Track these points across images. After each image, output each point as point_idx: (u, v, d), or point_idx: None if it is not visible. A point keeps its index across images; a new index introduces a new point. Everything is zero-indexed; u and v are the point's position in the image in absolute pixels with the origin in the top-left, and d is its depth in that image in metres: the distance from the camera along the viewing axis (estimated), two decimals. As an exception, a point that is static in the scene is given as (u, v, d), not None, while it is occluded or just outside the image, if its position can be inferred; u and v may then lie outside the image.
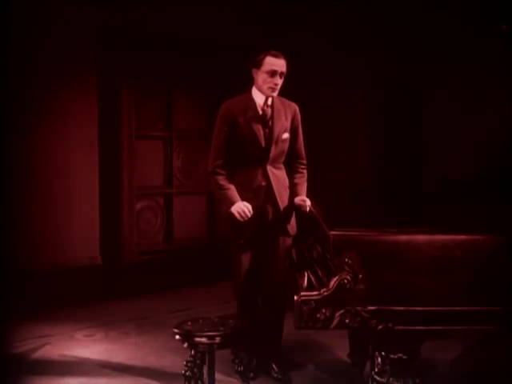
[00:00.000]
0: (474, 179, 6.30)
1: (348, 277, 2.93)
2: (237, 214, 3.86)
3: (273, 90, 3.93)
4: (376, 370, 3.18)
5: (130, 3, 6.31)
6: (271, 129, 3.97)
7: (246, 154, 3.97)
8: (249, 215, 3.87)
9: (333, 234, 2.98)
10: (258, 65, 3.93)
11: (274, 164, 4.02)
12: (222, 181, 3.97)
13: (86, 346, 4.85)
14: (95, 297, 6.03)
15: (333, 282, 2.93)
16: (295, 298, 2.94)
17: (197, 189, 7.31)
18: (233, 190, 3.94)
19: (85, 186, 6.44)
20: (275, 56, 3.91)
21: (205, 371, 3.55)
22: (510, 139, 6.34)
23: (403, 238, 2.99)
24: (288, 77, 3.98)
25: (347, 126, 7.52)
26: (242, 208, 3.86)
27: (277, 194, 3.99)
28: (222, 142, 3.98)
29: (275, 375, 4.09)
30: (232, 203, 3.90)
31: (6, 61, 5.64)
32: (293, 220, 4.06)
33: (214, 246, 7.25)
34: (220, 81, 7.16)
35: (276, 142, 3.98)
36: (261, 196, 3.97)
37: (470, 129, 6.84)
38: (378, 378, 3.15)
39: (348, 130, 7.55)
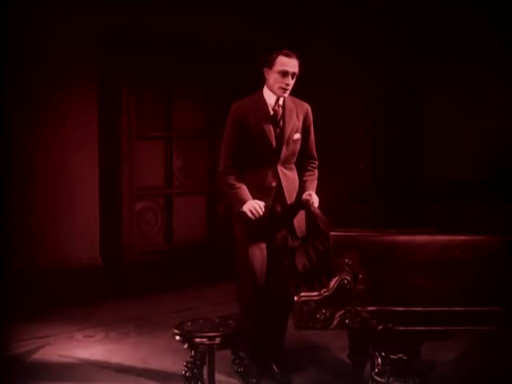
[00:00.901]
0: (474, 179, 6.29)
1: (348, 277, 2.92)
2: (249, 213, 3.83)
3: (284, 90, 3.88)
4: (376, 370, 3.18)
5: (130, 3, 6.31)
6: (282, 129, 3.92)
7: (256, 155, 3.93)
8: (261, 213, 3.83)
9: (333, 234, 2.97)
10: (270, 64, 3.86)
11: (284, 164, 3.98)
12: (233, 180, 3.93)
13: (86, 347, 4.85)
14: (95, 297, 6.03)
15: (333, 282, 2.93)
16: (295, 298, 2.93)
17: (197, 189, 7.32)
18: (244, 189, 3.90)
19: (85, 186, 6.44)
20: (287, 55, 3.84)
21: (205, 372, 3.55)
22: (510, 139, 6.34)
23: (403, 238, 2.98)
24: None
25: (347, 126, 7.52)
26: (253, 206, 3.83)
27: (287, 195, 3.96)
28: (232, 142, 3.94)
29: (276, 376, 4.07)
30: (243, 202, 3.86)
31: (5, 61, 5.64)
32: (302, 222, 4.02)
33: (214, 246, 7.25)
34: (220, 81, 7.17)
35: (287, 143, 3.94)
36: (271, 196, 3.93)
37: (470, 129, 6.84)
38: (378, 379, 3.15)
39: (348, 130, 7.55)
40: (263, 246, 3.97)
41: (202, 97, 7.26)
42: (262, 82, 3.99)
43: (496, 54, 6.49)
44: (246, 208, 3.85)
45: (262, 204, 3.86)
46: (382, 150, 7.64)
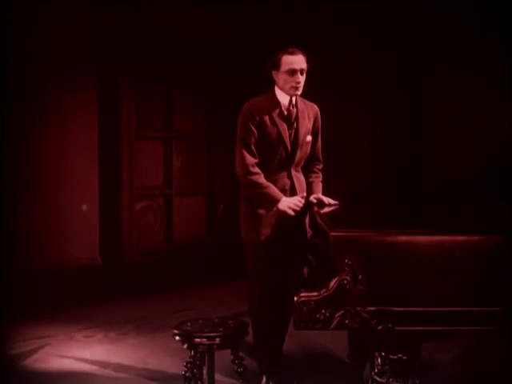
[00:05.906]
0: (473, 179, 6.29)
1: (348, 277, 2.91)
2: (289, 210, 3.68)
3: (296, 88, 3.78)
4: (376, 370, 3.17)
5: (131, 4, 6.31)
6: (297, 130, 3.84)
7: (271, 157, 3.82)
8: (301, 206, 3.72)
9: (333, 235, 2.97)
10: (277, 65, 3.77)
11: (296, 167, 3.90)
12: (261, 179, 3.75)
13: (86, 347, 4.84)
14: (95, 297, 6.03)
15: (333, 282, 2.92)
16: (295, 298, 2.93)
17: (197, 189, 7.33)
18: (273, 188, 3.75)
19: (85, 186, 6.44)
20: (292, 53, 3.75)
21: (204, 372, 3.55)
22: (510, 139, 6.34)
23: (403, 238, 2.97)
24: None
25: (347, 126, 7.52)
26: (294, 202, 3.70)
27: None
28: (252, 141, 3.78)
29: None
30: (277, 201, 3.71)
31: (6, 61, 5.64)
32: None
33: (213, 246, 7.26)
34: (220, 81, 7.17)
35: (301, 145, 3.85)
36: None
37: (470, 129, 6.84)
38: (377, 379, 3.14)
39: (348, 130, 7.55)
40: (275, 249, 3.82)
41: (201, 97, 7.27)
42: (265, 82, 3.90)
43: (496, 54, 6.49)
44: (284, 206, 3.69)
45: (299, 198, 3.75)
46: (382, 150, 7.64)
